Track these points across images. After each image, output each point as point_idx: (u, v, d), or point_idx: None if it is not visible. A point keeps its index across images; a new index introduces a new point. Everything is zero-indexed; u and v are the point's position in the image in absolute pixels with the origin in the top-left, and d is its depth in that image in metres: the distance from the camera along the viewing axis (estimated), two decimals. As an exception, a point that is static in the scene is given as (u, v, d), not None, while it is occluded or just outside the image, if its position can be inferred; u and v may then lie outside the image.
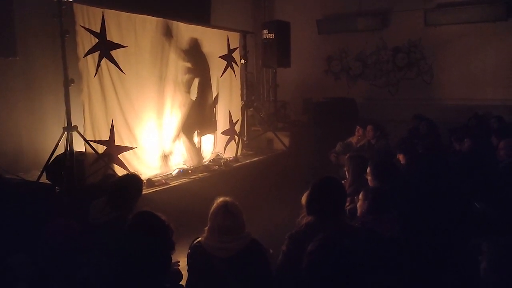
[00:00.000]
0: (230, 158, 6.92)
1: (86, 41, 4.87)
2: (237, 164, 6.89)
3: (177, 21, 6.09)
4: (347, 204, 3.62)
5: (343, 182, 3.94)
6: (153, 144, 5.85)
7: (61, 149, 4.74)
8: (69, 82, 4.65)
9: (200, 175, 6.05)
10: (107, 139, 5.17)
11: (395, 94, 9.63)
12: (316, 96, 9.20)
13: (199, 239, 2.77)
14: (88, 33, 4.87)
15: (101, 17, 5.00)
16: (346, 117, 8.16)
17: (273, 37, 8.15)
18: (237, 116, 7.49)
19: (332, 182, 2.92)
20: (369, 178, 3.95)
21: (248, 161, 7.15)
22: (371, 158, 4.39)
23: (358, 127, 6.90)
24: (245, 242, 2.71)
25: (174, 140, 6.23)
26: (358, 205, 3.24)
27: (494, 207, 3.93)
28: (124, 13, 5.33)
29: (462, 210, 3.82)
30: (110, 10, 5.12)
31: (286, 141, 7.91)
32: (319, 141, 7.63)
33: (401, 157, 4.97)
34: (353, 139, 6.93)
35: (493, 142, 5.54)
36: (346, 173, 4.42)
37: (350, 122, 7.50)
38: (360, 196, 3.23)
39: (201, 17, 7.68)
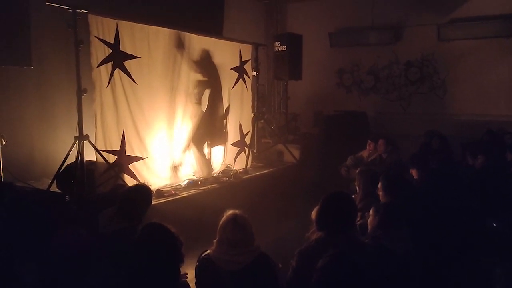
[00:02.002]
0: (240, 170, 6.92)
1: (100, 52, 4.94)
2: (247, 176, 6.88)
3: (190, 32, 6.17)
4: (358, 219, 3.59)
5: (353, 196, 3.92)
6: (163, 154, 5.88)
7: (72, 158, 4.79)
8: (82, 91, 4.72)
9: (209, 186, 6.05)
10: (118, 149, 5.21)
11: (407, 108, 9.58)
12: (327, 109, 9.19)
13: (208, 251, 2.77)
14: (102, 43, 4.95)
15: (115, 28, 5.08)
16: (357, 131, 8.13)
17: (285, 49, 8.18)
18: (247, 127, 7.50)
19: (342, 197, 2.90)
20: (380, 193, 3.93)
21: (258, 173, 7.13)
22: (382, 172, 4.36)
23: (369, 141, 6.86)
24: (254, 255, 2.70)
25: (184, 151, 6.26)
26: (368, 221, 3.21)
27: (508, 225, 3.88)
28: (138, 24, 5.40)
29: (475, 228, 3.78)
30: (124, 21, 5.20)
31: (297, 153, 7.89)
32: (330, 155, 7.59)
33: (414, 172, 4.94)
34: (364, 153, 6.89)
35: (507, 158, 5.48)
36: (357, 187, 4.40)
37: (361, 136, 7.48)
38: (371, 211, 3.21)
39: (214, 28, 7.75)
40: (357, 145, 7.11)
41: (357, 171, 4.64)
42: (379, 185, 3.95)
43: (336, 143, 7.77)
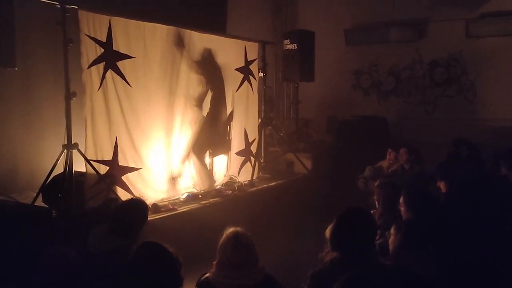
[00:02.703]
0: (245, 182, 6.94)
1: (91, 51, 4.99)
2: (253, 188, 6.89)
3: (190, 29, 6.21)
4: (377, 238, 3.58)
5: (372, 212, 3.91)
6: (160, 165, 5.90)
7: (59, 169, 4.81)
8: (71, 95, 4.75)
9: (211, 200, 6.06)
10: (110, 158, 5.24)
11: (432, 113, 9.56)
12: (343, 113, 9.20)
13: (207, 274, 2.78)
14: (93, 42, 4.99)
15: (108, 25, 5.13)
16: (376, 138, 8.12)
17: (296, 48, 8.21)
18: (253, 135, 7.52)
19: (360, 213, 2.91)
20: (402, 208, 3.92)
21: (265, 185, 7.15)
22: (404, 185, 4.35)
23: (389, 149, 6.86)
24: (257, 277, 2.71)
25: (184, 161, 6.28)
26: (390, 240, 3.20)
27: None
28: (133, 21, 5.46)
29: (509, 246, 3.75)
30: (117, 18, 5.25)
31: (308, 163, 7.90)
32: (345, 165, 7.59)
33: (442, 184, 4.92)
34: (384, 163, 6.89)
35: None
36: (376, 202, 4.40)
37: (380, 144, 7.47)
38: (392, 229, 3.21)
39: (216, 25, 7.81)
40: (376, 154, 7.10)
41: (376, 183, 4.64)
42: (401, 199, 3.94)
43: (353, 152, 7.76)
